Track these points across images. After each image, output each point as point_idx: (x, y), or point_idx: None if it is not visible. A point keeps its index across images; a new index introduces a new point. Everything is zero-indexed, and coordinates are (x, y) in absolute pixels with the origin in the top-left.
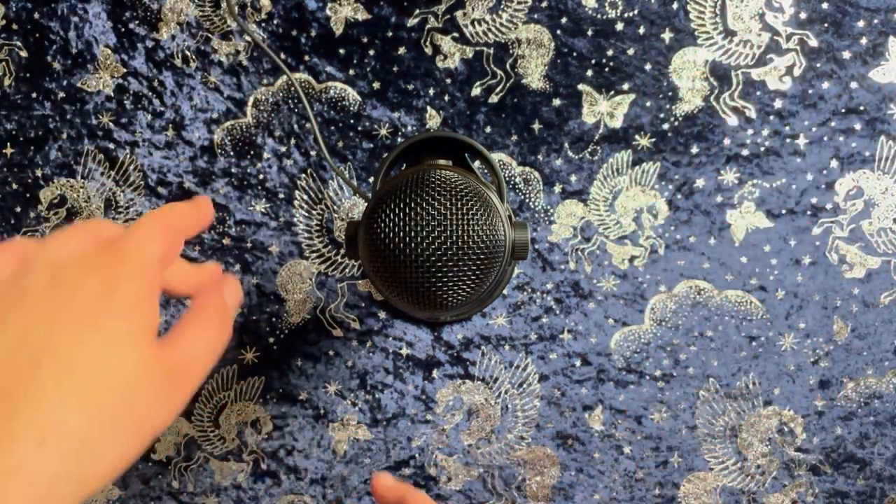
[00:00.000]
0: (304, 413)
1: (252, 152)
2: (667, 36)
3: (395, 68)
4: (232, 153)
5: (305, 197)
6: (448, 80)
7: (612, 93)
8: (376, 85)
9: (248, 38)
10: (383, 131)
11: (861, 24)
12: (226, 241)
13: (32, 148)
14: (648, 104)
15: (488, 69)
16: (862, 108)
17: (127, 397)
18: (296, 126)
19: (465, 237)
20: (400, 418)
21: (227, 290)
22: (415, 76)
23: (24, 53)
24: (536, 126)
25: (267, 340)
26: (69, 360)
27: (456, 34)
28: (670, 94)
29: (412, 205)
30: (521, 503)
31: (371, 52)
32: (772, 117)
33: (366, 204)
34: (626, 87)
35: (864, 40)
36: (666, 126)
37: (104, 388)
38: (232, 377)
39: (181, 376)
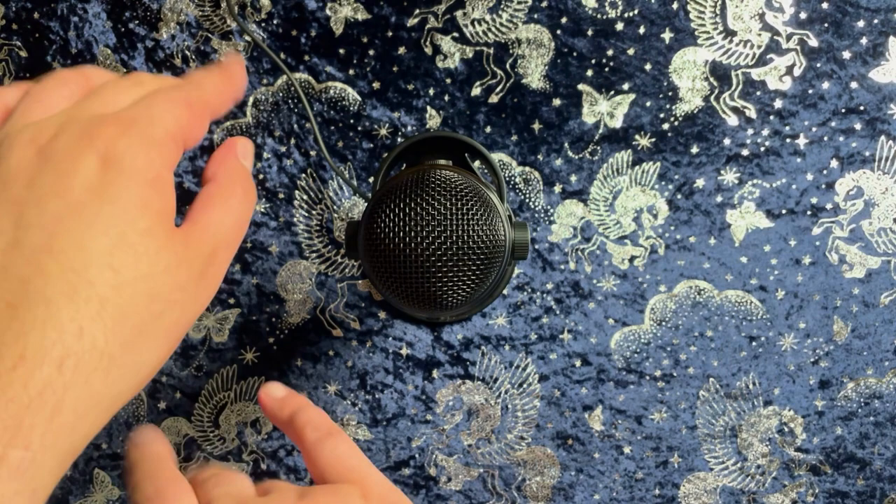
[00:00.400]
0: None
1: None
2: (667, 36)
3: (395, 68)
4: None
5: (305, 197)
6: (448, 80)
7: (612, 93)
8: (376, 85)
9: (248, 38)
10: (383, 131)
11: (861, 24)
12: None
13: None
14: (648, 104)
15: (488, 69)
16: (862, 108)
17: (151, 297)
18: (296, 126)
19: (465, 237)
20: (400, 418)
21: (240, 152)
22: (415, 76)
23: (24, 53)
24: (536, 126)
25: (267, 340)
26: (77, 261)
27: (456, 34)
28: (670, 94)
29: (412, 205)
30: (521, 503)
31: (371, 52)
32: (772, 117)
33: (366, 204)
34: (626, 87)
35: (864, 40)
36: (666, 126)
37: (123, 291)
38: (232, 377)
39: (209, 261)
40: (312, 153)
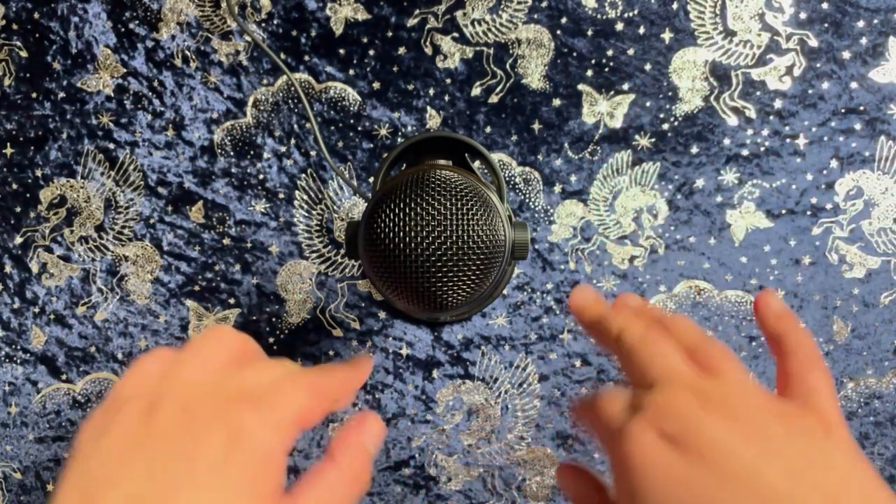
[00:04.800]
0: None
1: (252, 152)
2: (667, 36)
3: (395, 68)
4: (232, 153)
5: (305, 197)
6: (448, 80)
7: (612, 93)
8: (376, 85)
9: (248, 38)
10: (383, 131)
11: (861, 24)
12: (226, 241)
13: (32, 148)
14: (648, 104)
15: (488, 69)
16: (862, 108)
17: None
18: (296, 126)
19: (465, 237)
20: (400, 418)
21: (367, 431)
22: (415, 76)
23: (24, 53)
24: (536, 126)
25: (267, 340)
26: None
27: (456, 34)
28: (670, 94)
29: (412, 205)
30: (521, 503)
31: (371, 52)
32: (772, 117)
33: (366, 204)
34: (626, 87)
35: (864, 40)
36: (666, 126)
37: None
38: None
39: None
40: (312, 153)
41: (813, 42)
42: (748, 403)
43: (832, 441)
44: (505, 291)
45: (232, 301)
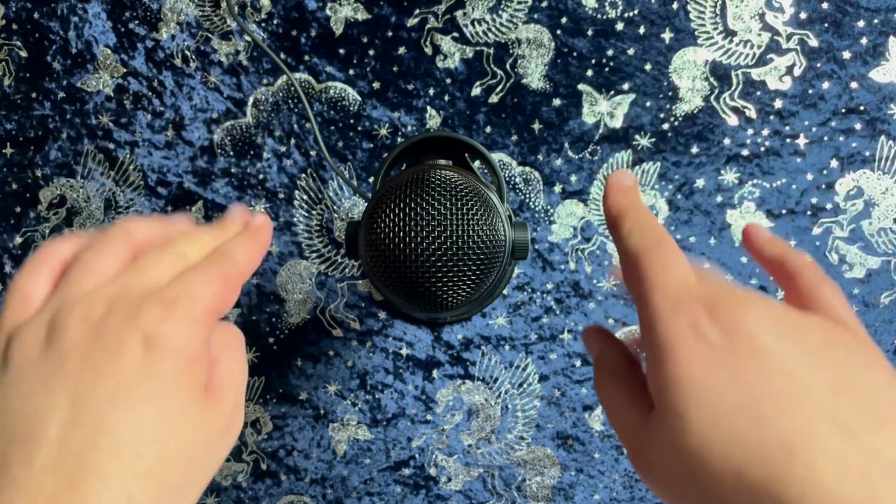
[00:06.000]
0: (304, 413)
1: (252, 152)
2: (667, 36)
3: (395, 68)
4: (232, 153)
5: (305, 197)
6: (448, 80)
7: (612, 93)
8: (376, 85)
9: (248, 38)
10: (383, 131)
11: (861, 24)
12: None
13: (32, 148)
14: (648, 104)
15: (488, 69)
16: (862, 108)
17: (188, 461)
18: (296, 126)
19: (465, 237)
20: (400, 418)
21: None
22: (415, 76)
23: (24, 53)
24: (536, 126)
25: (267, 340)
26: (127, 438)
27: (456, 34)
28: (670, 94)
29: (412, 205)
30: (521, 503)
31: (371, 52)
32: (772, 117)
33: (366, 204)
34: (626, 87)
35: (864, 40)
36: (666, 126)
37: (165, 461)
38: None
39: (232, 414)
40: (312, 153)
41: (813, 42)
42: (788, 312)
43: (865, 350)
44: (505, 291)
45: None
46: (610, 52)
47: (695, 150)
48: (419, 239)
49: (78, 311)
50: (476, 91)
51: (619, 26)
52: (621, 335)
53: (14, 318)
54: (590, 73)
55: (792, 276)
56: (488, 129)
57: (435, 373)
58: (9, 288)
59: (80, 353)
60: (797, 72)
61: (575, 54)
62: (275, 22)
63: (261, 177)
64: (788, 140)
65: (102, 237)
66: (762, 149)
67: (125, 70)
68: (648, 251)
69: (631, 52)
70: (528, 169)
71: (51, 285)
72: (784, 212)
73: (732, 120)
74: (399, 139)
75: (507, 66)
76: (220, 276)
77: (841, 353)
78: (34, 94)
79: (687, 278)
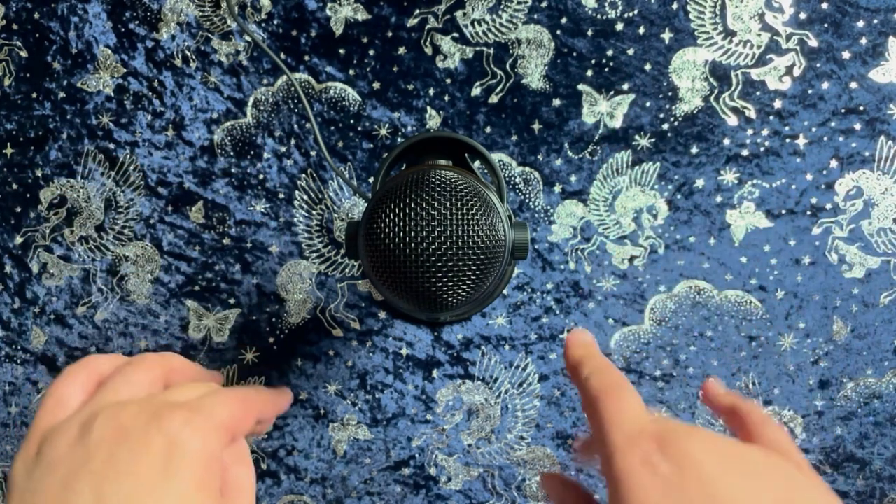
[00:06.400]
0: (304, 413)
1: (252, 152)
2: (667, 36)
3: (395, 68)
4: (232, 153)
5: (305, 197)
6: (448, 80)
7: (612, 93)
8: (376, 85)
9: (248, 38)
10: (383, 131)
11: (861, 24)
12: (226, 241)
13: (32, 148)
14: (648, 104)
15: (488, 69)
16: (862, 108)
17: None
18: (296, 126)
19: (465, 237)
20: (400, 418)
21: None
22: (415, 76)
23: (24, 53)
24: (536, 126)
25: (267, 340)
26: None
27: (456, 34)
28: (670, 94)
29: (412, 205)
30: (521, 503)
31: (371, 52)
32: (772, 117)
33: (366, 204)
34: (626, 87)
35: (864, 40)
36: (666, 126)
37: None
38: (232, 377)
39: None
40: (312, 153)
41: (813, 42)
42: (732, 443)
43: (806, 476)
44: (505, 291)
45: (232, 301)
46: (610, 53)
47: (694, 150)
48: (419, 239)
49: (109, 414)
50: (476, 91)
51: (619, 26)
52: (620, 335)
53: (49, 419)
54: (590, 73)
55: (742, 419)
56: (488, 129)
57: (435, 373)
58: (47, 392)
59: (106, 451)
60: (797, 72)
61: (575, 54)
62: (275, 22)
63: (261, 177)
64: (788, 140)
65: (142, 358)
66: (762, 149)
67: (125, 70)
68: (605, 393)
69: (631, 52)
70: (528, 169)
71: (85, 394)
72: (784, 212)
73: (732, 120)
74: (399, 139)
75: (507, 67)
76: (240, 400)
77: (781, 479)
78: (34, 94)
79: (640, 417)
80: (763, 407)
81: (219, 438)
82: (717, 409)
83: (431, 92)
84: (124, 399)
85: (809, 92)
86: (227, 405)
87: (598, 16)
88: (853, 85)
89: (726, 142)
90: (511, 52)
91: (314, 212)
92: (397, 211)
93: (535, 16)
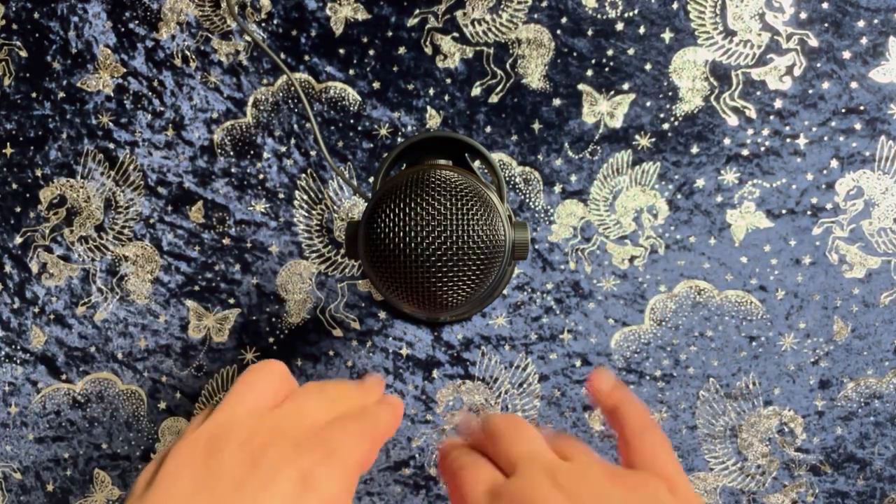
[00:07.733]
0: None
1: (252, 152)
2: (667, 36)
3: (395, 68)
4: (232, 153)
5: (305, 197)
6: (448, 80)
7: (612, 93)
8: (376, 85)
9: (248, 38)
10: (383, 131)
11: (861, 24)
12: (226, 241)
13: (32, 148)
14: (648, 104)
15: (488, 69)
16: (862, 108)
17: None
18: (296, 126)
19: (465, 237)
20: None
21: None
22: (415, 76)
23: (24, 53)
24: (536, 126)
25: (267, 340)
26: None
27: (456, 34)
28: (670, 94)
29: (412, 205)
30: None
31: (371, 52)
32: (772, 117)
33: (366, 204)
34: (626, 87)
35: (864, 40)
36: (666, 126)
37: None
38: (232, 377)
39: None
40: (312, 153)
41: (813, 42)
42: (594, 480)
43: (678, 499)
44: (505, 291)
45: (232, 301)
46: (610, 52)
47: (695, 150)
48: (419, 239)
49: (238, 436)
50: (476, 91)
51: (619, 26)
52: (620, 335)
53: (236, 410)
54: (590, 73)
55: (622, 424)
56: (488, 129)
57: (435, 373)
58: (246, 378)
59: (236, 478)
60: (797, 72)
61: (575, 54)
62: (275, 22)
63: (261, 177)
64: (788, 140)
65: (259, 367)
66: (762, 149)
67: (125, 70)
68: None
69: (631, 52)
70: (528, 169)
71: (274, 402)
72: (784, 212)
73: (732, 120)
74: (399, 139)
75: (507, 66)
76: (370, 435)
77: None
78: (34, 94)
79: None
80: (763, 407)
81: (350, 479)
82: (600, 406)
83: (431, 92)
84: (252, 413)
85: (810, 92)
86: (362, 443)
87: (599, 15)
88: (853, 85)
89: (727, 142)
90: (511, 51)
91: (314, 212)
92: (397, 211)
93: (536, 15)
